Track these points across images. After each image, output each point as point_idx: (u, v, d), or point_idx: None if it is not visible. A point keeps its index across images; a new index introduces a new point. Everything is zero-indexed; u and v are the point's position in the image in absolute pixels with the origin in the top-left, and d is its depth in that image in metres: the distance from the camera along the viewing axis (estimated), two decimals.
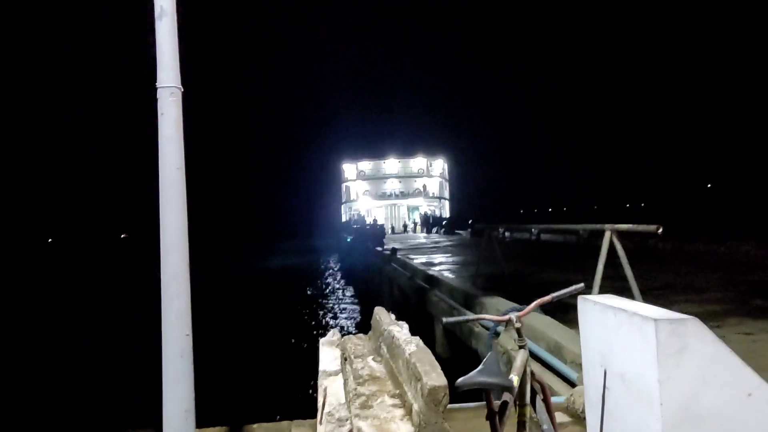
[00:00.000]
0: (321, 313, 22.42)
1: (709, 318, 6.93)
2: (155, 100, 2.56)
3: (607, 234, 6.15)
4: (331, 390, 2.94)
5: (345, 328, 18.32)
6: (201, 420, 3.56)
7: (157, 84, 2.57)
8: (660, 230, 5.47)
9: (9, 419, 10.07)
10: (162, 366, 2.46)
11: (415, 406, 2.71)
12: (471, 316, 2.81)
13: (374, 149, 67.72)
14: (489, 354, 2.37)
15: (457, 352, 8.63)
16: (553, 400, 4.19)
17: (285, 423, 3.82)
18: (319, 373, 3.38)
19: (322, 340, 4.17)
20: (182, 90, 2.62)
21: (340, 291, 29.20)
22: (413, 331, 3.81)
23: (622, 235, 6.28)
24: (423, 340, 3.38)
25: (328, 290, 30.04)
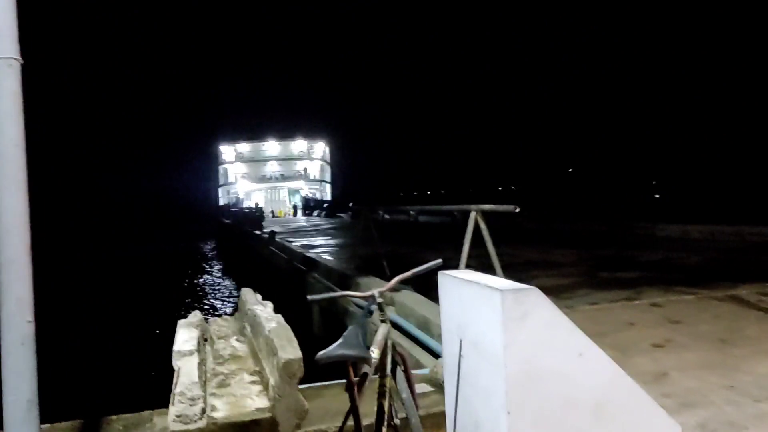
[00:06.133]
0: (193, 298, 21.69)
1: (563, 290, 7.57)
2: None
3: (473, 214, 6.48)
4: (184, 370, 2.89)
5: (218, 312, 17.88)
6: (51, 413, 3.35)
7: None
8: (517, 209, 5.87)
9: None
10: (1, 355, 2.32)
11: (272, 381, 2.75)
12: (335, 293, 2.86)
13: (253, 131, 65.86)
14: (349, 328, 2.44)
15: (333, 333, 8.74)
16: (419, 372, 4.40)
17: (147, 413, 3.67)
18: (173, 354, 3.30)
19: (180, 322, 4.05)
20: (22, 62, 2.44)
21: (216, 276, 28.37)
22: (290, 313, 3.82)
23: (488, 215, 6.64)
24: (301, 322, 3.41)
25: (202, 276, 29.06)
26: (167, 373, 3.30)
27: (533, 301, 2.29)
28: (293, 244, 17.42)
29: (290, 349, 2.74)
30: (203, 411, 2.51)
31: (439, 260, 2.85)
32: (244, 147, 66.07)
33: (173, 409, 2.49)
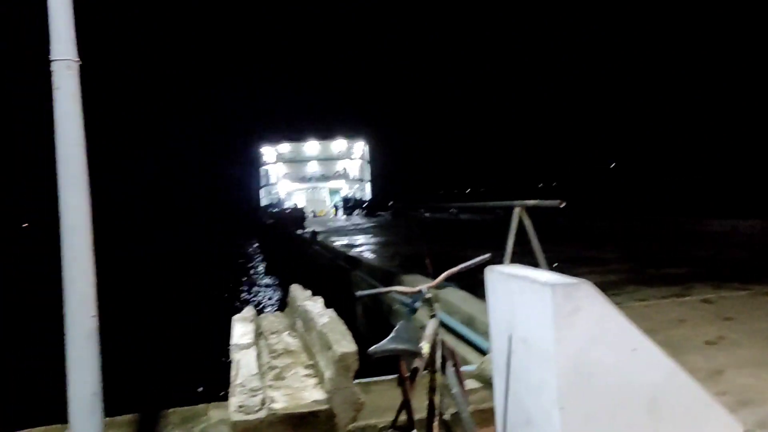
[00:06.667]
0: (240, 296, 22.10)
1: (609, 287, 7.42)
2: (50, 75, 2.45)
3: (516, 210, 6.39)
4: (244, 362, 2.97)
5: (264, 309, 18.16)
6: (111, 408, 3.46)
7: (51, 56, 2.44)
8: (562, 204, 5.77)
9: None
10: (66, 349, 2.40)
11: (327, 374, 2.80)
12: (383, 288, 2.89)
13: (293, 131, 66.58)
14: (400, 323, 2.46)
15: (378, 331, 8.79)
16: (466, 368, 4.40)
17: (202, 406, 3.77)
18: (231, 347, 3.39)
19: (235, 317, 4.16)
20: (79, 62, 2.51)
21: (260, 275, 28.81)
22: (334, 311, 3.89)
23: (531, 211, 6.56)
24: (345, 319, 3.47)
25: (247, 274, 29.54)
26: (217, 370, 3.39)
27: (584, 295, 2.27)
28: (335, 243, 17.56)
29: (345, 343, 2.81)
30: (263, 402, 2.58)
31: (488, 255, 2.84)
32: (285, 147, 66.77)
33: (234, 400, 2.56)
